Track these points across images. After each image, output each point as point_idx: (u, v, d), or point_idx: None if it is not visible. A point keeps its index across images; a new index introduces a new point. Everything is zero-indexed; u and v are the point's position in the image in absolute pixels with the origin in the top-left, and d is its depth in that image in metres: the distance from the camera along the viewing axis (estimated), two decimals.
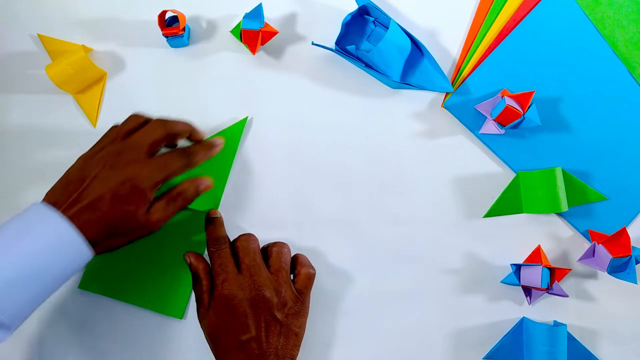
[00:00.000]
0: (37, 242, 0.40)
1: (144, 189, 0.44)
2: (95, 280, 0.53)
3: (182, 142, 0.51)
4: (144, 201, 0.44)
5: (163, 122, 0.47)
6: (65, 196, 0.43)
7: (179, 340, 0.53)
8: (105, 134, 0.48)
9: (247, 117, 0.55)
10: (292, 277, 0.50)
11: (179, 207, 0.48)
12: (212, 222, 0.51)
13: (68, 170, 0.46)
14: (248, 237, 0.50)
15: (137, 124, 0.47)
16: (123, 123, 0.48)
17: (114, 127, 0.48)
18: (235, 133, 0.54)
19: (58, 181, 0.45)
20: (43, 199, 0.44)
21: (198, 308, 0.49)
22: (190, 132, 0.49)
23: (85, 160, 0.46)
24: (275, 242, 0.51)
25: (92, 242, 0.43)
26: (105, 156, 0.45)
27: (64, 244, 0.41)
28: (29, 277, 0.39)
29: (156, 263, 0.53)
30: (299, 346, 0.48)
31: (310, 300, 0.50)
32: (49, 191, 0.44)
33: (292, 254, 0.52)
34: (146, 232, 0.46)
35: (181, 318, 0.53)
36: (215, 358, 0.47)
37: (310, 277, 0.50)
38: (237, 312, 0.46)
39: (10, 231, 0.41)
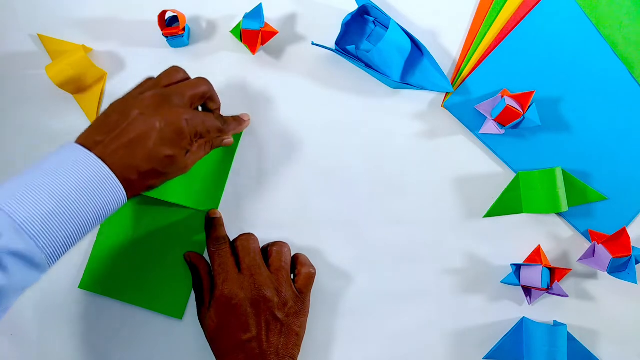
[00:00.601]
0: (71, 180, 0.39)
1: (189, 134, 0.44)
2: (95, 280, 0.52)
3: None
4: (186, 146, 0.44)
5: (207, 81, 0.48)
6: (103, 135, 0.42)
7: (178, 341, 0.53)
8: (141, 83, 0.47)
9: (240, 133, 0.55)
10: (292, 277, 0.50)
11: (207, 152, 0.49)
12: (212, 222, 0.51)
13: (103, 113, 0.44)
14: (248, 237, 0.50)
15: (178, 79, 0.47)
16: (164, 74, 0.47)
17: (150, 79, 0.48)
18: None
19: (93, 123, 0.43)
20: (76, 140, 0.42)
21: (198, 308, 0.49)
22: (219, 107, 0.50)
23: (125, 102, 0.44)
24: (275, 242, 0.51)
25: (131, 180, 0.42)
26: (150, 98, 0.44)
27: (98, 183, 0.40)
28: (64, 214, 0.38)
29: (156, 263, 0.53)
30: (300, 346, 0.48)
31: (310, 300, 0.50)
32: (83, 132, 0.43)
33: (292, 254, 0.52)
34: (178, 174, 0.46)
35: (181, 318, 0.53)
36: (216, 358, 0.47)
37: (311, 277, 0.50)
38: (238, 312, 0.46)
39: (44, 168, 0.39)
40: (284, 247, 0.51)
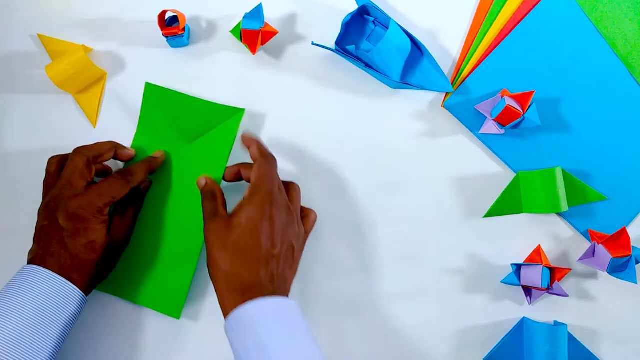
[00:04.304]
0: (29, 297, 0.43)
1: (89, 218, 0.46)
2: None
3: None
4: (94, 228, 0.46)
5: (80, 151, 0.48)
6: (36, 251, 0.45)
7: (177, 340, 0.53)
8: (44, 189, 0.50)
9: (243, 110, 0.54)
10: None
11: (135, 215, 0.52)
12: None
13: (37, 224, 0.48)
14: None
15: (57, 163, 0.49)
16: (46, 171, 0.49)
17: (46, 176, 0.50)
18: (231, 127, 0.54)
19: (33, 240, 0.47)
20: (28, 262, 0.46)
21: (209, 222, 0.46)
22: (114, 148, 0.50)
23: (39, 215, 0.47)
24: (290, 182, 0.51)
25: (79, 281, 0.45)
26: (48, 204, 0.46)
27: (54, 291, 0.43)
28: (32, 331, 0.42)
29: (154, 261, 0.53)
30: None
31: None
32: (29, 252, 0.47)
33: None
34: (122, 248, 0.50)
35: (178, 318, 0.53)
36: (231, 276, 0.44)
37: (315, 220, 0.51)
38: (273, 223, 0.45)
39: (7, 294, 0.43)
40: (298, 188, 0.51)
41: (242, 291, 0.43)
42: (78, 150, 0.48)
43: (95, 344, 0.53)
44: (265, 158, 0.47)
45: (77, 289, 0.45)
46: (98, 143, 0.50)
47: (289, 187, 0.50)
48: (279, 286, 0.44)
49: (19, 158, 0.54)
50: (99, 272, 0.47)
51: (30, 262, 0.45)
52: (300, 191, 0.51)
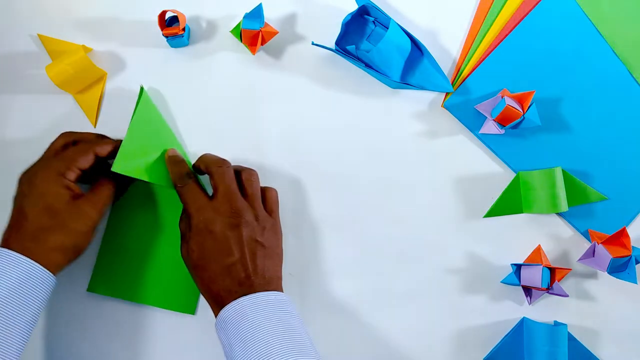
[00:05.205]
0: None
1: (47, 181, 0.46)
2: (103, 282, 0.52)
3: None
4: (54, 192, 0.46)
5: (64, 134, 0.50)
6: (9, 231, 0.46)
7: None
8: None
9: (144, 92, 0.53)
10: None
11: (111, 195, 0.49)
12: (172, 161, 0.50)
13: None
14: (223, 163, 0.49)
15: (65, 142, 0.50)
16: (52, 143, 0.50)
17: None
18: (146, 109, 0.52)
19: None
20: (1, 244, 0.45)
21: (181, 245, 0.49)
22: (98, 139, 0.51)
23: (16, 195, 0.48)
24: (243, 168, 0.51)
25: (40, 255, 0.44)
26: (19, 187, 0.47)
27: (20, 272, 0.43)
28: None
29: (164, 260, 0.53)
30: (281, 266, 0.49)
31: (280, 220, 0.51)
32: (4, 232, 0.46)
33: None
34: (92, 226, 0.47)
35: (193, 314, 0.53)
36: (202, 291, 0.47)
37: (277, 196, 0.51)
38: (218, 237, 0.46)
39: None
40: (253, 175, 0.50)
41: (219, 301, 0.46)
42: (63, 133, 0.50)
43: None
44: (184, 184, 0.49)
45: (41, 267, 0.44)
46: (85, 132, 0.51)
47: (241, 179, 0.49)
48: (256, 282, 0.45)
49: (19, 158, 0.54)
50: (63, 248, 0.46)
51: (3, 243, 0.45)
52: (255, 178, 0.50)
